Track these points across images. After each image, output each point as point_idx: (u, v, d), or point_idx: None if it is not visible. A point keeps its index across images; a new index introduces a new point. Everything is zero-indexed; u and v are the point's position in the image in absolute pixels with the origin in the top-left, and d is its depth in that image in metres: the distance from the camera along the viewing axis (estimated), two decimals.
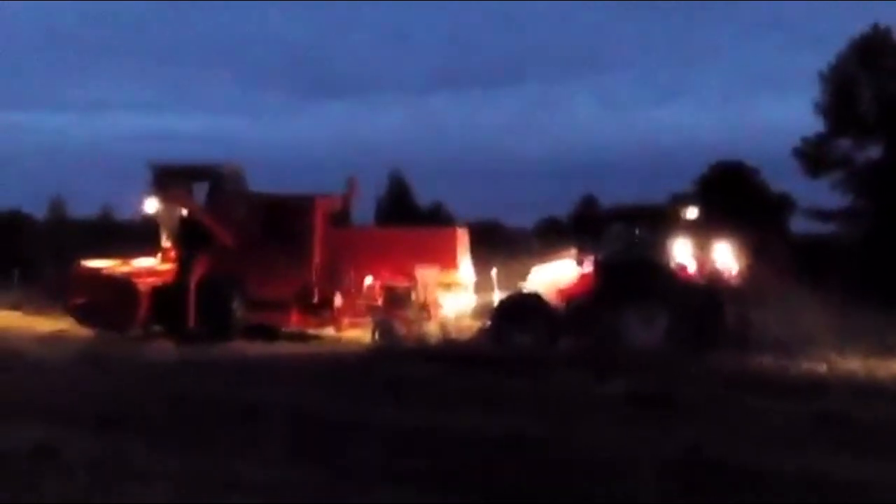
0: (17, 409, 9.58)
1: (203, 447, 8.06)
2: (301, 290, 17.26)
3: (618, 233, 15.92)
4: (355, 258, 17.22)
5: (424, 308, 16.61)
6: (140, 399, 10.44)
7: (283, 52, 78.81)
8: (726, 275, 15.28)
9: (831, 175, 33.01)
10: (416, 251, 17.16)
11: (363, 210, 23.12)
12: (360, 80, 74.02)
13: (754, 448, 8.22)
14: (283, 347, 16.12)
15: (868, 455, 8.14)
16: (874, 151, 32.87)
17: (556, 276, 15.75)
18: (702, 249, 15.36)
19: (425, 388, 11.45)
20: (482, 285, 17.10)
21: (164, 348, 15.73)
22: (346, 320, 17.23)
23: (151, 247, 18.47)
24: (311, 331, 17.62)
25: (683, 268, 15.03)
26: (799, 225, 35.20)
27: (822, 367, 13.17)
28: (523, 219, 37.68)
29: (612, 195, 39.46)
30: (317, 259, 17.43)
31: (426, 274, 16.77)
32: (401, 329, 16.20)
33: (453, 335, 15.82)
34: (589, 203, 36.88)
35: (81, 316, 17.27)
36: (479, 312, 16.75)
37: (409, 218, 35.57)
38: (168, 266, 17.82)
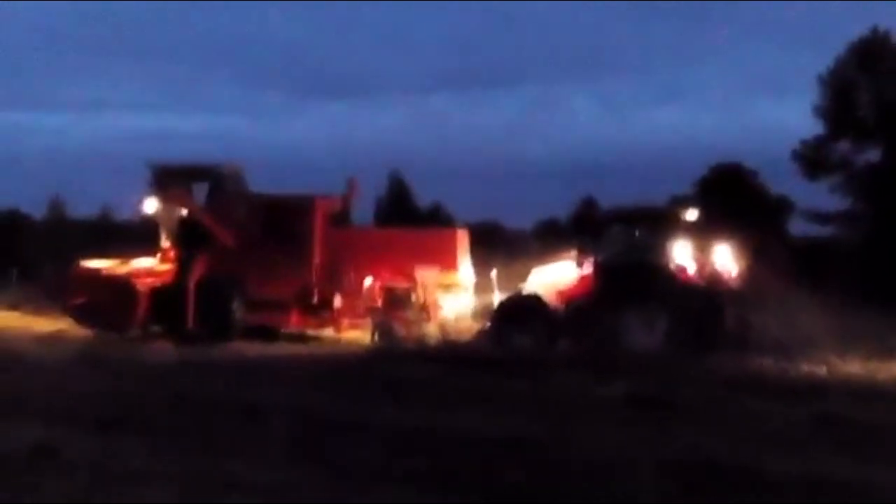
0: (16, 409, 9.56)
1: (203, 448, 8.05)
2: (301, 290, 17.25)
3: (617, 234, 15.93)
4: (355, 259, 17.21)
5: (424, 309, 16.61)
6: (140, 399, 10.43)
7: (283, 52, 78.94)
8: (726, 277, 15.28)
9: (830, 178, 33.09)
10: (416, 252, 17.16)
11: (362, 210, 23.11)
12: (359, 80, 74.13)
13: (754, 450, 8.22)
14: (282, 348, 16.11)
15: (868, 457, 8.14)
16: (873, 154, 32.95)
17: (555, 277, 15.75)
18: (701, 251, 15.37)
19: (425, 389, 11.45)
20: (482, 286, 17.10)
21: (163, 349, 15.71)
22: (345, 321, 17.22)
23: (151, 247, 18.45)
24: (311, 332, 17.61)
25: (683, 270, 15.04)
26: (797, 227, 35.31)
27: (822, 370, 13.19)
28: (522, 220, 37.70)
29: (611, 197, 39.56)
30: (317, 260, 17.42)
31: (426, 275, 16.76)
32: (400, 330, 16.20)
33: (453, 336, 15.83)
34: (588, 204, 36.89)
35: (80, 316, 17.24)
36: (478, 314, 16.76)
37: (409, 219, 35.58)
38: (167, 266, 17.80)
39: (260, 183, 18.74)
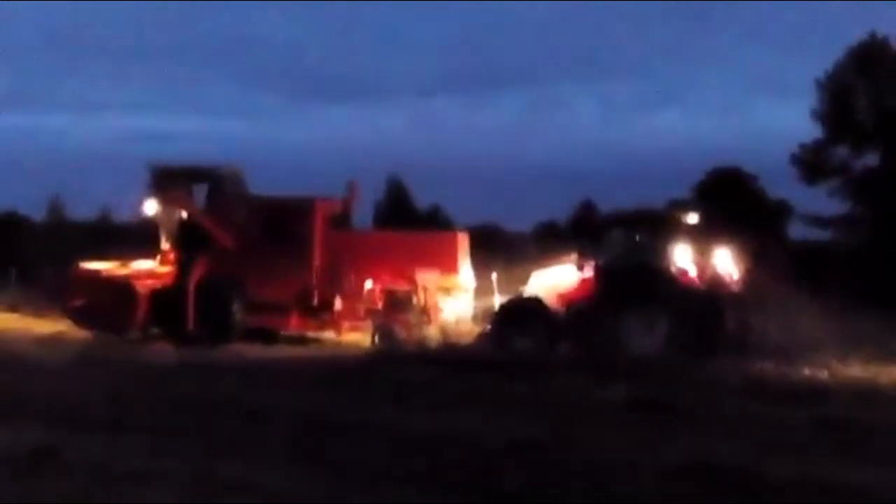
0: (16, 410, 9.56)
1: (203, 449, 8.04)
2: (301, 292, 17.23)
3: (618, 238, 15.94)
4: (356, 261, 17.20)
5: (425, 312, 16.60)
6: (139, 401, 10.42)
7: (283, 54, 78.83)
8: (727, 280, 15.29)
9: (829, 182, 33.13)
10: (417, 255, 17.15)
11: (362, 213, 23.07)
12: (359, 82, 73.93)
13: (755, 453, 8.21)
14: (282, 351, 16.10)
15: (869, 460, 8.14)
16: (871, 159, 33.01)
17: (556, 280, 15.75)
18: (702, 255, 15.38)
19: (425, 391, 11.44)
20: (482, 289, 17.10)
21: (163, 351, 15.70)
22: (346, 324, 17.21)
23: (150, 249, 18.45)
24: (311, 334, 17.60)
25: (684, 273, 15.05)
26: (797, 231, 35.34)
27: (823, 373, 13.19)
28: (521, 223, 37.60)
29: (609, 200, 39.50)
30: (317, 262, 17.41)
31: (427, 278, 16.76)
32: (401, 333, 16.19)
33: (453, 339, 15.84)
34: (587, 208, 36.85)
35: (80, 318, 17.23)
36: (479, 316, 16.77)
37: (408, 221, 35.54)
38: (167, 268, 17.79)
39: (260, 185, 18.77)
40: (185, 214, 18.10)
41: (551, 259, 16.35)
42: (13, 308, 20.50)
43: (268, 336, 17.05)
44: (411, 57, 78.23)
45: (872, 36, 32.88)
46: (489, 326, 15.82)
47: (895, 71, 32.54)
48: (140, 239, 19.45)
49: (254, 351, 15.70)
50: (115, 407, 9.89)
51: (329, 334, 17.51)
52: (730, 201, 31.75)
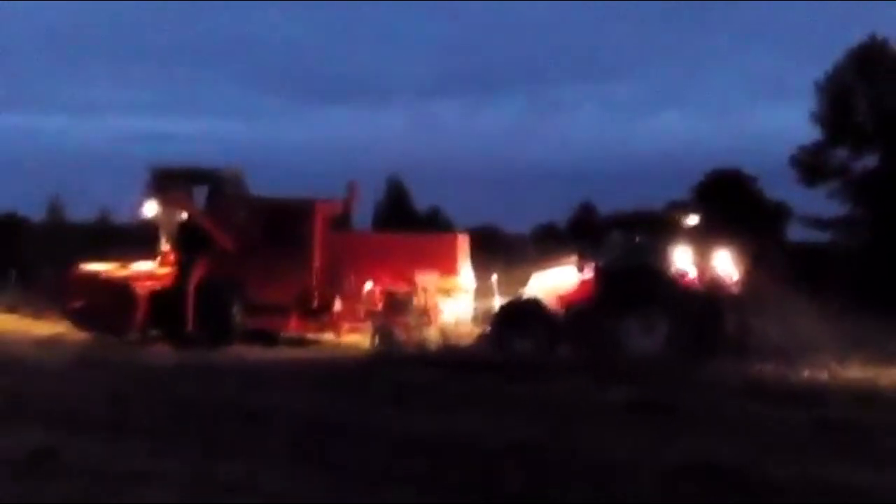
0: (15, 412, 9.57)
1: (203, 450, 8.05)
2: (301, 294, 17.23)
3: (618, 239, 15.95)
4: (355, 263, 17.21)
5: (425, 313, 16.60)
6: (139, 402, 10.41)
7: (283, 54, 78.83)
8: (726, 282, 15.30)
9: (828, 184, 33.12)
10: (417, 257, 17.16)
11: (361, 214, 23.07)
12: (359, 83, 73.88)
13: (755, 454, 8.22)
14: (282, 352, 16.09)
15: (869, 461, 8.15)
16: (871, 160, 32.99)
17: (556, 282, 15.77)
18: (701, 256, 15.39)
19: (425, 392, 11.45)
20: (482, 291, 17.11)
21: (162, 352, 15.70)
22: (345, 325, 17.21)
23: (150, 250, 18.44)
24: (311, 336, 17.60)
25: (683, 274, 15.06)
26: (796, 233, 35.35)
27: (823, 374, 13.20)
28: (521, 224, 37.58)
29: (608, 201, 39.52)
30: (317, 263, 17.42)
31: (426, 279, 16.77)
32: (401, 334, 16.19)
33: (453, 340, 15.83)
34: (586, 209, 36.85)
35: (79, 319, 17.22)
36: (479, 318, 16.77)
37: (407, 223, 35.53)
38: (167, 270, 17.78)
39: (260, 186, 18.76)
40: (184, 216, 18.09)
41: (551, 260, 16.37)
42: (12, 309, 20.48)
43: (268, 338, 17.05)
44: (411, 57, 78.35)
45: (872, 37, 32.89)
46: (489, 328, 15.82)
47: (895, 73, 32.57)
48: (140, 240, 19.44)
49: (253, 352, 15.69)
50: (115, 408, 9.89)
51: (329, 336, 17.50)
52: (729, 203, 31.74)
